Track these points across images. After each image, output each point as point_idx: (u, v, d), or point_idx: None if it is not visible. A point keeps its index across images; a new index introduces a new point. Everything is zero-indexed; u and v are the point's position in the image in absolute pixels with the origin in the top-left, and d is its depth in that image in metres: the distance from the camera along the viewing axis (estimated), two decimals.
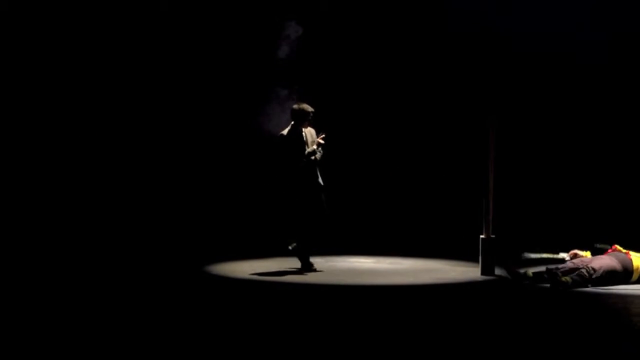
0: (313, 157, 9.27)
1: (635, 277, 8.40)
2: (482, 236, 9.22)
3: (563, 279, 8.16)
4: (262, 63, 12.32)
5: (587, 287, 8.14)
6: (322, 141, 9.34)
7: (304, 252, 9.34)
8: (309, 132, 9.40)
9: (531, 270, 8.66)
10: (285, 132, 9.35)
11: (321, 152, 9.33)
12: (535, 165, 12.49)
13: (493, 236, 9.18)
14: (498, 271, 8.99)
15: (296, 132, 9.31)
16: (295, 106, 9.40)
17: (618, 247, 8.68)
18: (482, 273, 9.11)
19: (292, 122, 9.35)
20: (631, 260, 8.44)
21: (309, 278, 8.93)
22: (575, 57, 12.06)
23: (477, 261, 9.29)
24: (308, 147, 9.31)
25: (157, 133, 12.63)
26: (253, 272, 9.29)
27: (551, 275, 8.32)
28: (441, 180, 12.72)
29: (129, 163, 12.44)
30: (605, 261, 8.38)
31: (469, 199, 10.90)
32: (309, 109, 9.34)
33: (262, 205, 12.18)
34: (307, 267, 9.27)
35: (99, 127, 12.31)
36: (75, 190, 12.12)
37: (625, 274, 8.35)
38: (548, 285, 8.27)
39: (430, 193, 12.75)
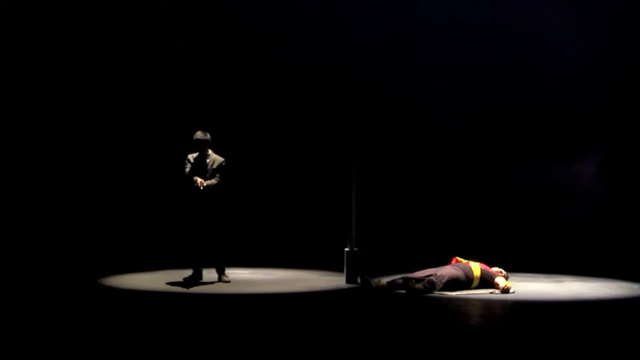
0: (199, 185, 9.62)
1: (475, 283, 9.33)
2: (346, 249, 10.06)
3: (416, 286, 9.01)
4: None
5: (435, 293, 8.96)
6: (202, 182, 9.63)
7: (197, 264, 9.86)
8: (211, 159, 9.88)
9: (384, 280, 9.44)
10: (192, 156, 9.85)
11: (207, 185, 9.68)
12: (393, 187, 13.22)
13: (356, 249, 10.03)
14: (359, 280, 9.65)
15: (198, 158, 9.85)
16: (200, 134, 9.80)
17: (459, 258, 9.64)
18: (347, 282, 9.90)
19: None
20: (471, 268, 9.40)
21: (198, 289, 9.30)
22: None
23: (342, 271, 10.04)
24: (208, 173, 9.78)
25: (50, 143, 12.63)
26: (144, 284, 9.67)
27: (406, 282, 9.20)
28: (310, 199, 13.23)
29: (20, 173, 12.46)
30: (449, 270, 9.32)
31: (335, 216, 11.33)
32: (201, 136, 9.80)
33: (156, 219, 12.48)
34: (193, 280, 9.76)
35: None
36: None
37: (467, 281, 9.31)
38: (403, 291, 9.09)
39: (300, 210, 13.21)
